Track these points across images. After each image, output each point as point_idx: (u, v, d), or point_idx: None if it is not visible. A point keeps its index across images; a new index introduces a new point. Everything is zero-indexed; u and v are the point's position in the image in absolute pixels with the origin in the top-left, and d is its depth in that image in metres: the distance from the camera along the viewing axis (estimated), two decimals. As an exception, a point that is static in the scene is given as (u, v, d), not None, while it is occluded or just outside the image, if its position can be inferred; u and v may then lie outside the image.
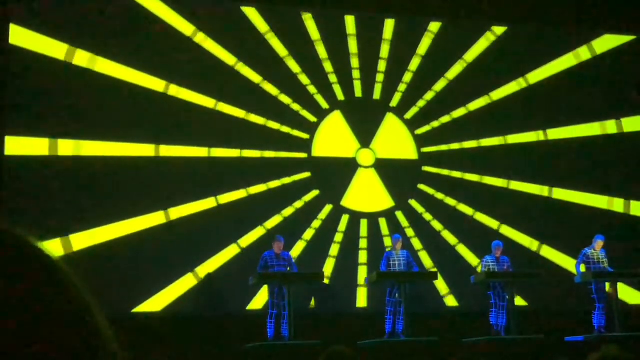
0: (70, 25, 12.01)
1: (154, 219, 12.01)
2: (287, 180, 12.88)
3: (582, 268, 11.74)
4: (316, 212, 12.92)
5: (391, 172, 13.34)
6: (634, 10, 14.58)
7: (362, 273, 12.68)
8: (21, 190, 11.28)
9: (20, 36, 11.70)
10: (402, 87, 13.71)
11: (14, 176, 11.34)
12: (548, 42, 14.49)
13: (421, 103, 13.74)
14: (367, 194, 13.18)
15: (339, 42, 13.55)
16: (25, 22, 11.75)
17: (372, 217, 13.13)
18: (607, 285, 11.73)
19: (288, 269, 11.04)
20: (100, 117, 11.97)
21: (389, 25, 13.83)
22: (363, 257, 12.89)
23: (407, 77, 13.77)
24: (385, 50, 13.77)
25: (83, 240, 11.45)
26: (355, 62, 13.61)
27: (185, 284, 11.92)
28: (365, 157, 13.33)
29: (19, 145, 11.43)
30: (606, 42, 14.81)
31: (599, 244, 11.80)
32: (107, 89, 12.07)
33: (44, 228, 10.82)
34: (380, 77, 13.68)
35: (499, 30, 14.30)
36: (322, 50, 13.43)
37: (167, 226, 12.03)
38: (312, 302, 12.35)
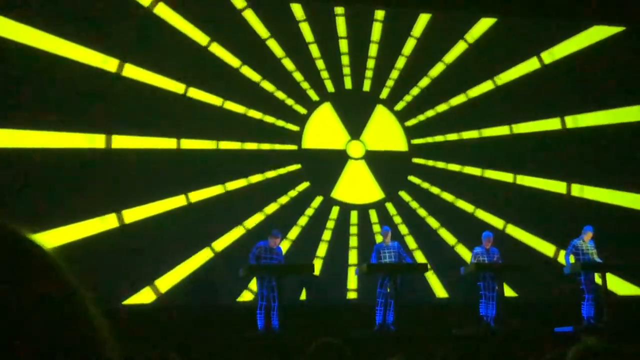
0: (44, 11, 11.92)
1: (150, 209, 11.98)
2: (277, 172, 12.87)
3: (571, 259, 11.78)
4: (306, 203, 12.92)
5: (381, 163, 13.35)
6: (625, 1, 14.59)
7: (353, 264, 12.70)
8: (5, 183, 11.25)
9: None
10: (392, 79, 13.71)
11: (5, 169, 11.30)
12: (535, 35, 14.49)
13: (411, 95, 13.74)
14: (357, 185, 13.19)
15: (329, 34, 13.53)
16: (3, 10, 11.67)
17: (362, 209, 13.14)
18: (596, 276, 11.77)
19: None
20: (81, 107, 11.89)
21: (379, 17, 13.81)
22: (353, 248, 12.90)
23: (397, 69, 13.77)
24: (375, 42, 13.76)
25: (70, 233, 11.42)
26: (345, 55, 13.59)
27: (175, 276, 11.91)
28: (355, 149, 13.34)
29: (4, 137, 11.38)
30: (596, 33, 14.80)
31: (588, 235, 11.83)
32: (88, 79, 12.01)
33: (27, 221, 10.76)
34: (370, 69, 13.67)
35: (488, 22, 14.29)
36: (312, 42, 13.40)
37: (161, 217, 12.00)
38: (303, 294, 12.37)
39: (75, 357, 0.64)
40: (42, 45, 11.80)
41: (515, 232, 13.65)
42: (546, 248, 13.65)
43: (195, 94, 12.61)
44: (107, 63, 12.14)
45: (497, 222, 13.55)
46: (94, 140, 11.91)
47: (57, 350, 0.63)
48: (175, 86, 12.51)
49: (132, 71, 12.30)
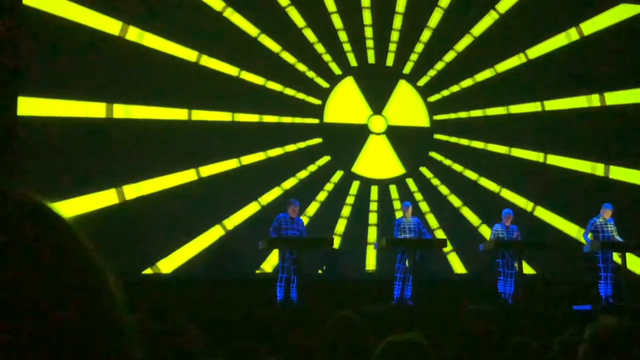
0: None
1: (173, 180, 12.01)
2: (297, 145, 12.87)
3: (590, 237, 11.65)
4: (327, 177, 12.93)
5: (402, 139, 13.31)
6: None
7: (372, 239, 12.72)
8: (34, 151, 11.31)
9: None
10: (416, 53, 13.63)
11: (28, 137, 11.36)
12: (556, 13, 14.25)
13: (435, 70, 13.66)
14: (378, 160, 13.17)
15: (352, 8, 13.44)
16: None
17: (383, 184, 13.14)
18: (615, 254, 11.64)
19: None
20: (121, 80, 11.92)
21: (403, -9, 13.68)
22: (373, 223, 12.92)
23: (421, 44, 13.67)
24: (399, 17, 13.66)
25: (94, 201, 11.49)
26: (368, 29, 13.51)
27: (195, 246, 11.97)
28: (377, 124, 13.30)
29: (31, 106, 11.43)
30: (619, 13, 14.56)
31: (607, 212, 11.68)
32: (131, 56, 12.01)
33: (55, 189, 10.86)
34: (394, 43, 13.59)
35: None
36: (335, 16, 13.33)
37: (183, 188, 12.02)
38: (322, 269, 12.40)
39: (91, 330, 0.65)
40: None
41: (544, 214, 13.57)
42: (572, 229, 13.56)
43: (209, 62, 12.47)
44: (113, 26, 11.96)
45: (505, 193, 13.49)
46: (96, 110, 11.75)
47: (74, 326, 0.63)
48: (187, 53, 12.33)
49: (140, 36, 12.13)
